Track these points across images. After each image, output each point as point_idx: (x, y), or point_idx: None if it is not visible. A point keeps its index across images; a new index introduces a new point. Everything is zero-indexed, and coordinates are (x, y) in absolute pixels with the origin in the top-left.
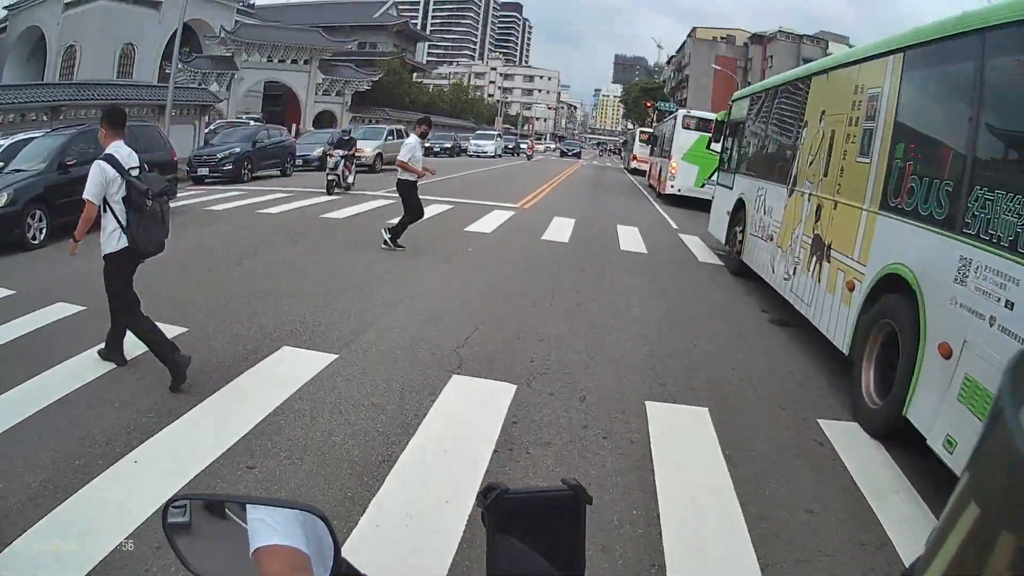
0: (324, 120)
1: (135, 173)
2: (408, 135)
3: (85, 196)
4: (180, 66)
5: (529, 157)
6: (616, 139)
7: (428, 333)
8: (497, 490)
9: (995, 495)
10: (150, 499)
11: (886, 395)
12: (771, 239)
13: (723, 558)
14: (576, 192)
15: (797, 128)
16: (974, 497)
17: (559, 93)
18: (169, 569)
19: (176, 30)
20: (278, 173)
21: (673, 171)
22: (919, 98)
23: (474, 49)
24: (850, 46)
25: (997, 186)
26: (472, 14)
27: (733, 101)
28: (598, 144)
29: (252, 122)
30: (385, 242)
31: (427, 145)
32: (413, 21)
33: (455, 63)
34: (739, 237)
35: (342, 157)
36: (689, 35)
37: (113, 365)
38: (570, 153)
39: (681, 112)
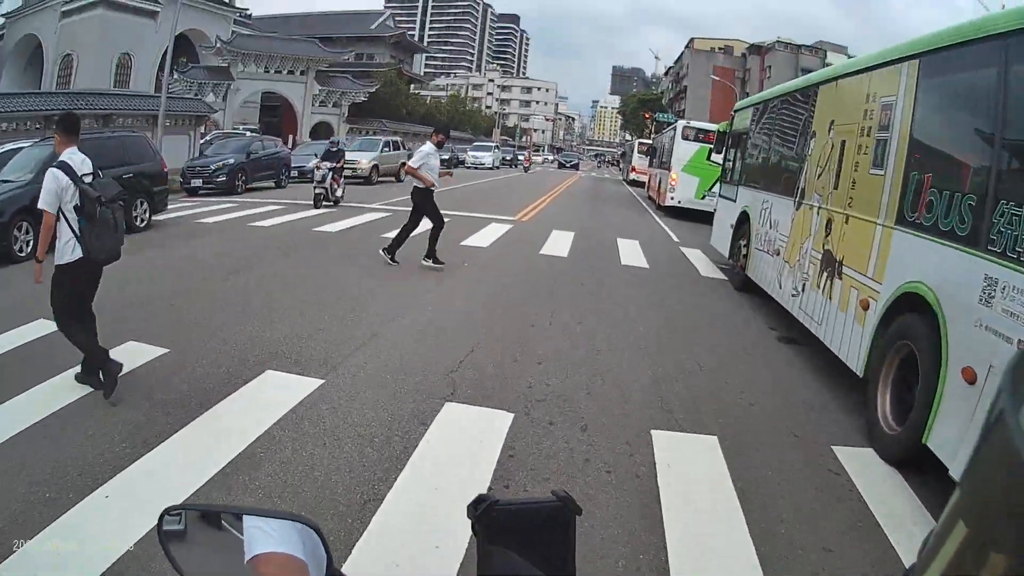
0: (321, 131)
1: (88, 180)
2: (402, 146)
3: (40, 206)
4: (176, 76)
5: (526, 169)
6: (614, 150)
7: (420, 355)
8: (487, 501)
9: (994, 497)
10: (119, 538)
11: (904, 421)
12: (777, 254)
13: None
14: (575, 204)
15: (804, 139)
16: (962, 516)
17: (557, 104)
18: None
19: (173, 39)
20: (273, 185)
21: (673, 183)
22: (937, 106)
23: (472, 60)
24: (849, 56)
25: None
26: (469, 26)
27: (735, 111)
28: (596, 155)
29: (248, 133)
30: (424, 262)
31: None
32: (410, 32)
33: (453, 74)
34: (743, 251)
35: (330, 169)
36: (687, 46)
37: (90, 389)
38: (568, 165)
39: (681, 123)
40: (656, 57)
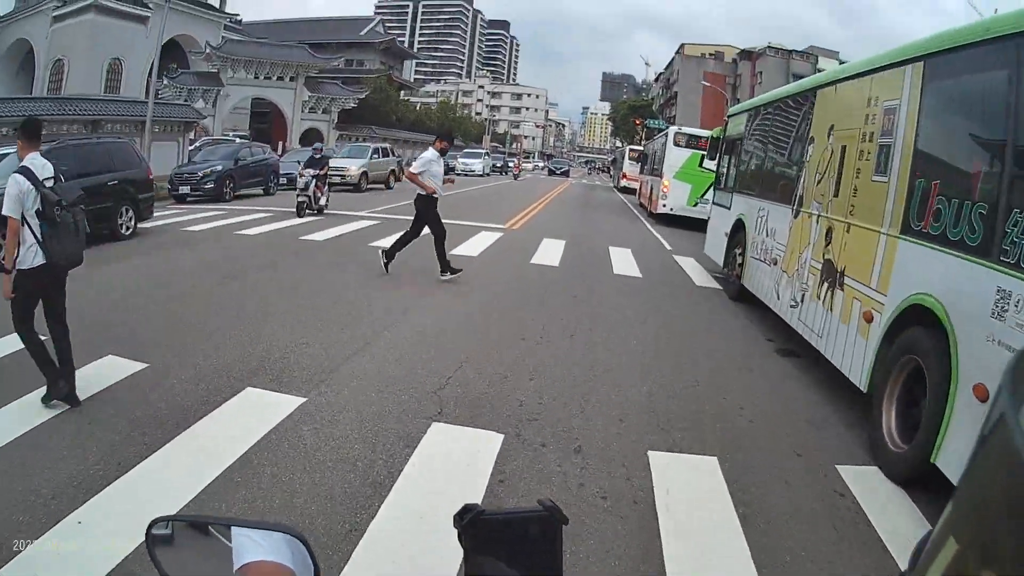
0: (311, 138)
1: (50, 184)
2: (392, 153)
3: (4, 212)
4: (166, 82)
5: (516, 176)
6: (604, 157)
7: (406, 372)
8: (473, 511)
9: (995, 497)
10: (89, 570)
11: (910, 438)
12: (775, 263)
13: None
14: (566, 211)
15: (802, 144)
16: (963, 516)
17: (547, 111)
18: None
19: (163, 45)
20: (261, 192)
21: (665, 190)
22: (944, 110)
23: (461, 67)
24: (840, 61)
25: None
26: (460, 32)
27: (729, 117)
28: (587, 162)
29: (238, 139)
30: (441, 277)
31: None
32: (400, 39)
33: (443, 81)
34: (739, 260)
35: (313, 177)
36: (677, 52)
37: (66, 406)
38: (558, 171)
39: (672, 129)
40: (646, 63)
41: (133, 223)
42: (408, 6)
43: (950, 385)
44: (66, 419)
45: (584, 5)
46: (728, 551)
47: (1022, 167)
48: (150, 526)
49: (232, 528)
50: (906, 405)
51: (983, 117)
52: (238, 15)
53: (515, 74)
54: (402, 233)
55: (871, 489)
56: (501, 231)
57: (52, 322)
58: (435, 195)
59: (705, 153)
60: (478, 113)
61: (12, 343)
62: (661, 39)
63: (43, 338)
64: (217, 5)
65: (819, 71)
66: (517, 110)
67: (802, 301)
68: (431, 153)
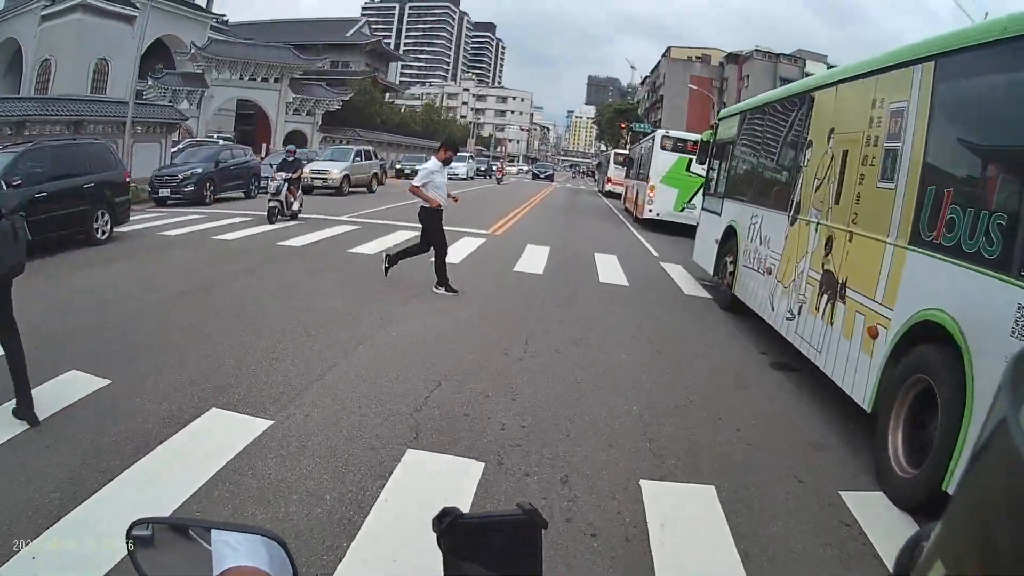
0: (295, 140)
1: None
2: (375, 156)
3: None
4: (150, 82)
5: (499, 181)
6: (589, 161)
7: (381, 391)
8: (452, 515)
9: (995, 497)
10: None
11: (919, 462)
12: (769, 272)
13: None
14: (550, 216)
15: (799, 148)
16: (963, 517)
17: (532, 114)
18: None
19: (150, 45)
20: (242, 195)
21: (651, 194)
22: (958, 113)
23: (447, 69)
24: (829, 65)
25: None
26: (446, 34)
27: (720, 119)
28: (571, 166)
29: (221, 141)
30: (436, 290)
31: (398, 166)
32: (386, 40)
33: (428, 83)
34: (730, 269)
35: (285, 180)
36: (664, 55)
37: (26, 425)
38: (542, 175)
39: (660, 132)
40: (632, 67)
41: (109, 227)
42: (395, 8)
43: (964, 407)
44: (25, 440)
45: (571, 8)
46: None
47: None
48: (131, 528)
49: (212, 531)
50: (914, 427)
51: (1001, 121)
52: (225, 15)
53: (501, 77)
54: (411, 244)
55: (877, 517)
56: (484, 237)
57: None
58: (440, 207)
59: (692, 157)
60: (463, 116)
61: None
62: (647, 43)
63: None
64: (204, 5)
65: (807, 75)
66: (502, 113)
67: (799, 313)
68: (433, 163)
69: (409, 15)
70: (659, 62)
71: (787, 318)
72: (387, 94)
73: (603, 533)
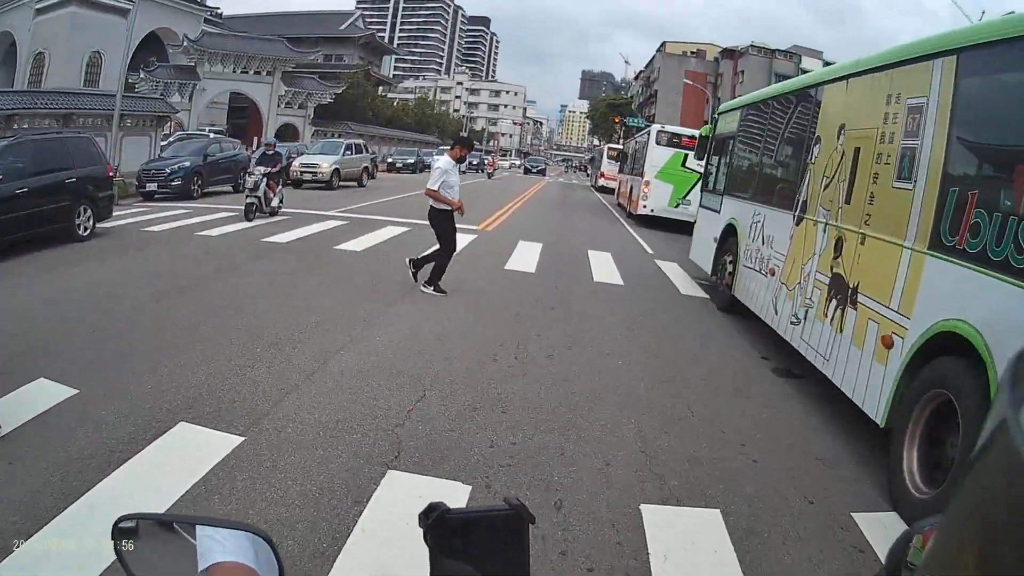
0: (287, 134)
1: None
2: (366, 149)
3: None
4: (142, 75)
5: (490, 175)
6: (582, 155)
7: (361, 403)
8: (438, 510)
9: (995, 497)
10: None
11: (936, 482)
12: (772, 274)
13: None
14: (542, 211)
15: (805, 145)
16: (963, 516)
17: (525, 109)
18: None
19: (143, 38)
20: (231, 189)
21: (646, 190)
22: (984, 111)
23: (441, 63)
24: (826, 62)
25: None
26: (440, 28)
27: (720, 114)
28: (564, 160)
29: (212, 134)
30: (424, 288)
31: (390, 160)
32: (380, 34)
33: (422, 77)
34: (729, 268)
35: (264, 175)
36: (658, 50)
37: None
38: (534, 170)
39: (655, 127)
40: (626, 62)
41: (91, 223)
42: (389, 1)
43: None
44: None
45: (566, 4)
46: None
47: None
48: (116, 523)
49: (197, 527)
50: (930, 444)
51: None
52: (219, 8)
53: (494, 71)
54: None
55: (892, 541)
56: (474, 233)
57: None
58: (456, 207)
59: (688, 152)
60: (456, 110)
61: None
62: (642, 38)
63: None
64: None
65: (802, 71)
66: (495, 107)
67: (805, 318)
68: (446, 162)
69: (403, 9)
70: (653, 57)
71: (792, 323)
72: (380, 88)
73: (601, 567)
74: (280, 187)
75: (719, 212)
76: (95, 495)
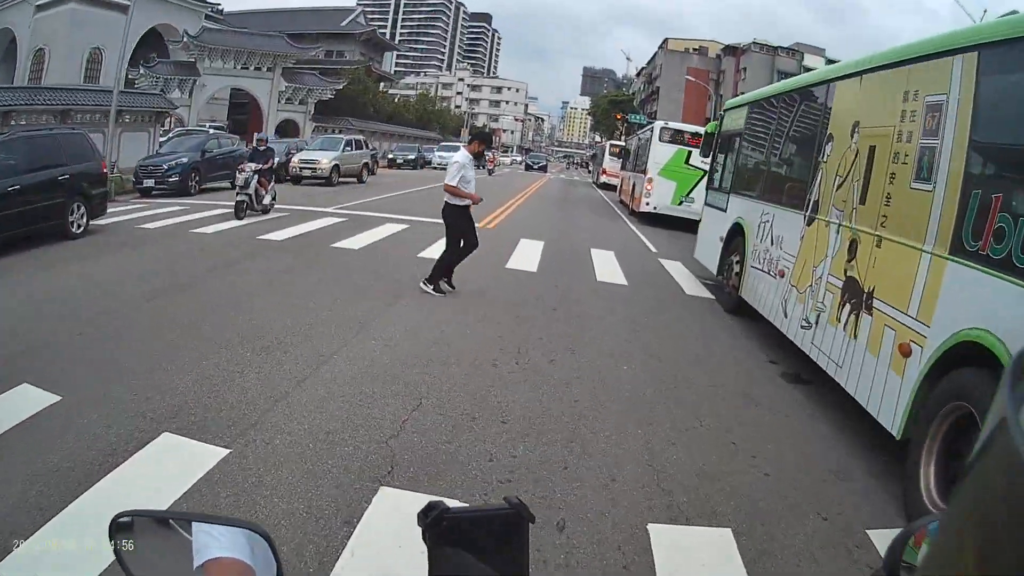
0: (288, 130)
1: None
2: (366, 145)
3: None
4: (142, 71)
5: (490, 172)
6: (583, 152)
7: (353, 412)
8: (438, 509)
9: (995, 498)
10: None
11: None
12: (781, 275)
13: None
14: (544, 208)
15: (817, 143)
16: (962, 518)
17: (527, 105)
18: None
19: (144, 34)
20: (229, 185)
21: (649, 187)
22: (1007, 110)
23: (442, 59)
24: (828, 59)
25: None
26: (441, 24)
27: (726, 110)
28: (565, 157)
29: (212, 130)
30: (423, 286)
31: (391, 156)
32: (382, 30)
33: (423, 73)
34: (736, 269)
35: (255, 172)
36: (660, 46)
37: None
38: (535, 166)
39: (659, 123)
40: (627, 58)
41: (85, 220)
42: None
43: None
44: None
45: (568, 0)
46: None
47: None
48: (114, 520)
49: (193, 524)
50: (949, 458)
51: None
52: (220, 4)
53: (496, 68)
54: (461, 248)
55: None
56: None
57: None
58: (474, 202)
59: (691, 150)
60: (457, 106)
61: None
62: (643, 34)
63: None
64: None
65: (805, 68)
66: (496, 103)
67: (816, 323)
68: (463, 156)
69: (405, 5)
70: (656, 53)
71: (803, 327)
72: (381, 83)
73: None
74: (272, 184)
75: (725, 211)
76: (73, 511)
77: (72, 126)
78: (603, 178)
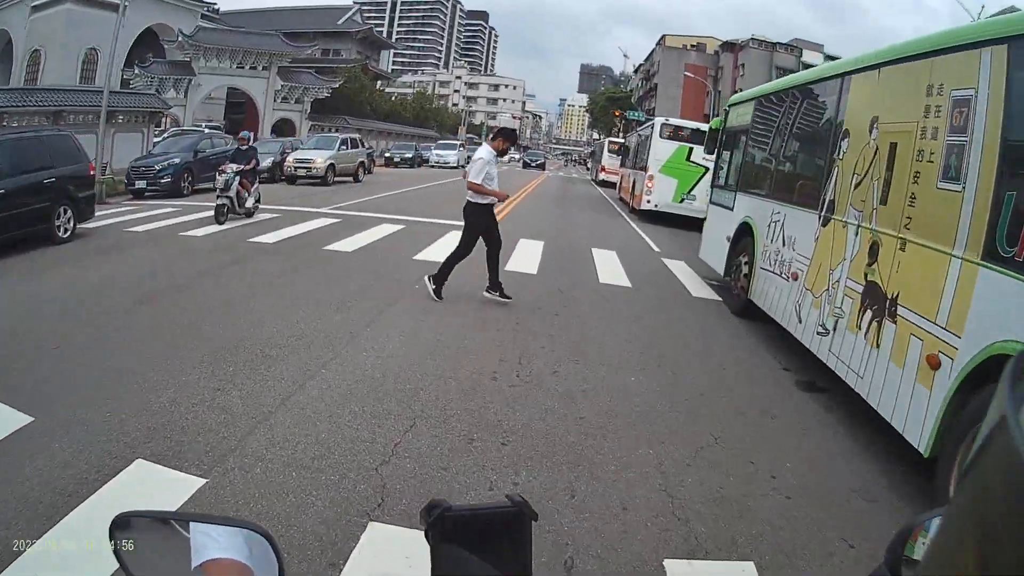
0: (284, 129)
1: None
2: (362, 144)
3: None
4: (137, 71)
5: None
6: (582, 149)
7: (341, 435)
8: (440, 507)
9: (994, 499)
10: None
11: None
12: (795, 278)
13: None
14: (543, 206)
15: (831, 139)
16: (962, 519)
17: (524, 102)
18: None
19: (140, 34)
20: None
21: (650, 185)
22: None
23: (439, 57)
24: (827, 55)
25: None
26: (438, 22)
27: (731, 105)
28: (563, 154)
29: (207, 129)
30: (428, 281)
31: (387, 154)
32: (378, 28)
33: (420, 71)
34: (744, 270)
35: (236, 173)
36: (658, 43)
37: None
38: (533, 164)
39: (659, 119)
40: (625, 55)
41: (72, 224)
42: None
43: None
44: None
45: None
46: None
47: None
48: (113, 523)
49: (192, 524)
50: None
51: None
52: (216, 4)
53: (493, 65)
54: (487, 258)
55: None
56: None
57: None
58: (499, 199)
59: (692, 146)
60: (455, 104)
61: None
62: (641, 32)
63: None
64: None
65: (804, 64)
66: (494, 101)
67: (834, 329)
68: (487, 152)
69: (402, 3)
70: (653, 50)
71: (819, 333)
72: (379, 82)
73: None
74: (256, 186)
75: (732, 209)
76: (39, 550)
77: (59, 127)
78: (602, 175)
